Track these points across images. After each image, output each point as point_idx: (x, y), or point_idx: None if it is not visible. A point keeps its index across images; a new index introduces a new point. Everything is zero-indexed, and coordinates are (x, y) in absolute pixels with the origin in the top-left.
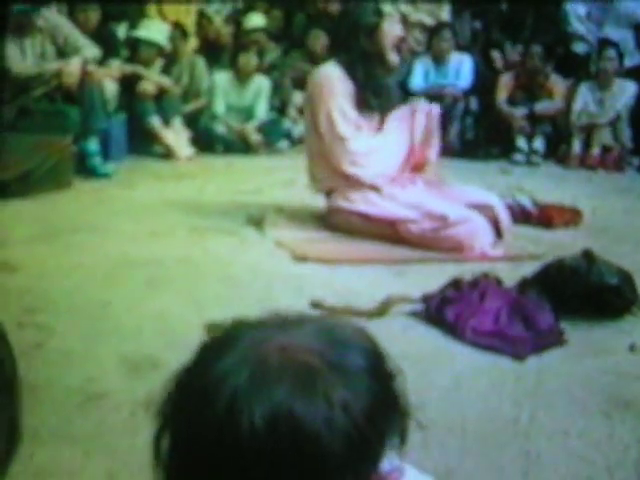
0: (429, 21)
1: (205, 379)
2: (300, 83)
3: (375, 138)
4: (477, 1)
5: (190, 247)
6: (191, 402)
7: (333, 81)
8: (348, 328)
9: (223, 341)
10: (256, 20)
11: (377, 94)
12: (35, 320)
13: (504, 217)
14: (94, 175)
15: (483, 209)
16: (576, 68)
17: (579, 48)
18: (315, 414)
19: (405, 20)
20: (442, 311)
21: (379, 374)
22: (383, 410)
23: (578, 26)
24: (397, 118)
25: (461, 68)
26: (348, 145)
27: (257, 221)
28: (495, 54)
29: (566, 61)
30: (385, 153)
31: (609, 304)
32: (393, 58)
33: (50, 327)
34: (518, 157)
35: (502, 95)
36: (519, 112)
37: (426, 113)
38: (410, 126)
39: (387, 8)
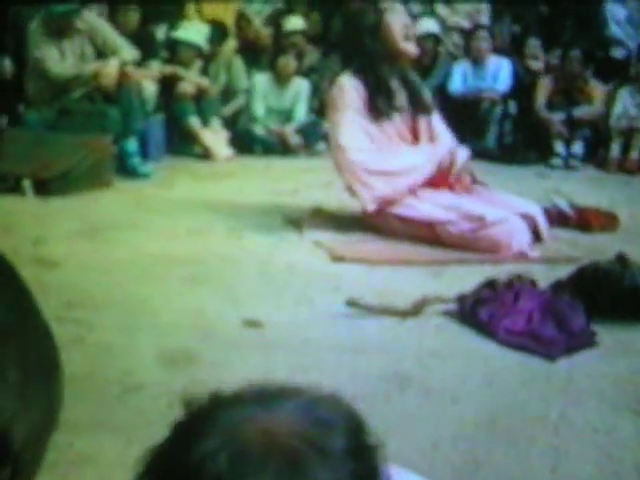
0: (467, 24)
1: (183, 464)
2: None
3: (390, 160)
4: (516, 4)
5: (228, 245)
6: None
7: (345, 92)
8: (329, 403)
9: (200, 420)
10: (295, 22)
11: (390, 97)
12: (74, 315)
13: (543, 225)
14: (133, 175)
15: (523, 218)
16: (616, 72)
17: (618, 53)
18: None
19: (443, 23)
20: (476, 311)
21: (361, 453)
22: None
23: (617, 30)
24: (424, 150)
25: (499, 71)
26: (349, 155)
27: (295, 221)
28: (532, 60)
29: (605, 65)
30: (397, 177)
31: None
32: (407, 47)
33: (89, 322)
34: (556, 161)
35: (541, 99)
36: (557, 117)
37: (450, 152)
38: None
39: (386, 2)
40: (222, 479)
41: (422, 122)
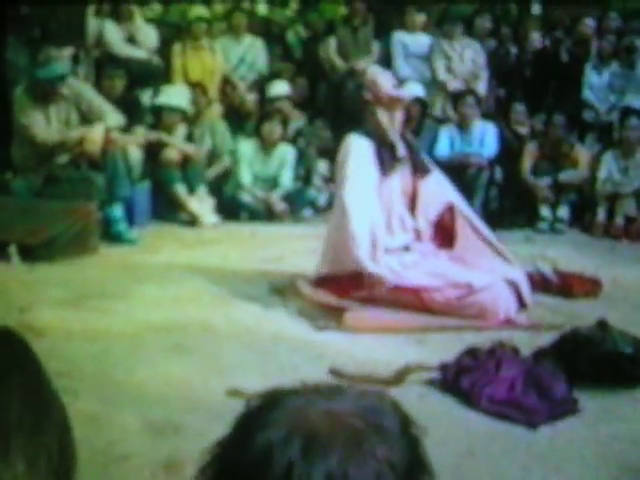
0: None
1: (252, 451)
2: (325, 152)
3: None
4: (501, 68)
5: (214, 313)
6: (239, 476)
7: (350, 150)
8: (377, 395)
9: (264, 410)
10: (280, 88)
11: (393, 149)
12: (60, 384)
13: (527, 292)
14: (119, 241)
15: (508, 284)
16: (600, 136)
17: (587, 116)
18: (367, 473)
19: (443, 88)
20: (458, 379)
21: (411, 437)
22: (417, 468)
23: (589, 94)
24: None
25: (486, 136)
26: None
27: (280, 289)
28: (518, 125)
29: (589, 129)
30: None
31: (623, 373)
32: (399, 92)
33: (75, 391)
34: (542, 225)
35: (526, 165)
36: (543, 182)
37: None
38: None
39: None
40: (296, 462)
41: (420, 181)
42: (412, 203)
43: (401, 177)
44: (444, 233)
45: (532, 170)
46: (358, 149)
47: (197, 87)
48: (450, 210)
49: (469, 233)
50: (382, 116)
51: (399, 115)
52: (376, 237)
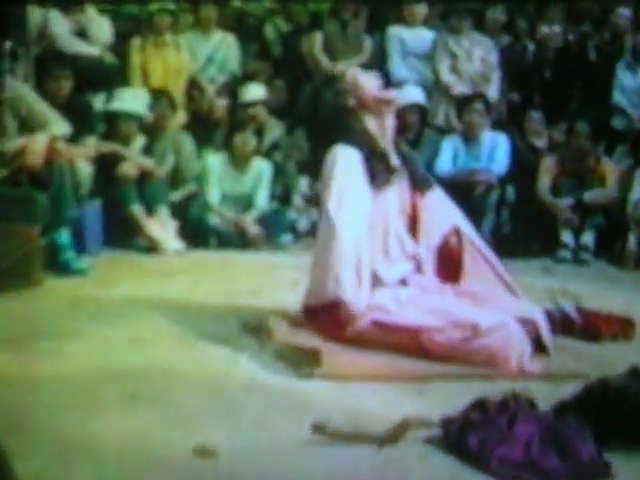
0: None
1: None
2: (307, 167)
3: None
4: (516, 68)
5: (177, 357)
6: None
7: (336, 162)
8: None
9: None
10: (255, 92)
11: (386, 158)
12: None
13: (546, 333)
14: (67, 271)
15: (522, 324)
16: (633, 148)
17: (618, 122)
18: None
19: (446, 92)
20: (464, 437)
21: None
22: None
23: (620, 97)
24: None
25: (496, 150)
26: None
27: (255, 328)
28: (534, 136)
29: (619, 140)
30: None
31: None
32: (384, 93)
33: (15, 449)
34: (563, 254)
35: (544, 182)
36: (565, 202)
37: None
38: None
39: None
40: None
41: (421, 198)
42: (412, 224)
43: (399, 193)
44: (448, 261)
45: (551, 189)
46: (345, 161)
47: (159, 90)
48: (456, 234)
49: (478, 262)
50: (370, 123)
51: (390, 120)
52: (362, 263)
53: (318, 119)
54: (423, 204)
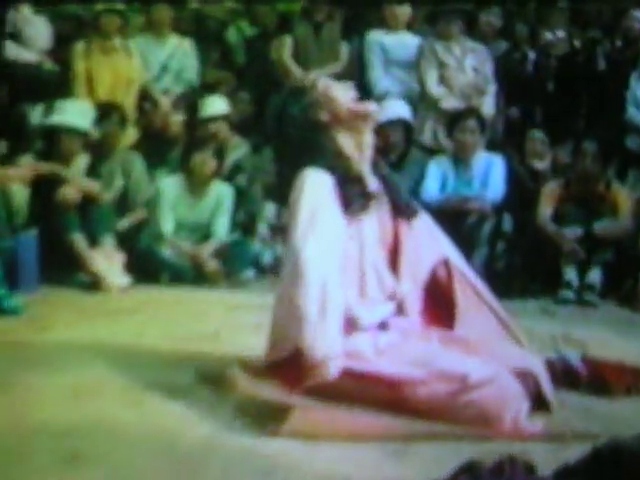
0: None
1: None
2: (273, 192)
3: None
4: (514, 80)
5: (123, 411)
6: None
7: (304, 187)
8: None
9: None
10: (216, 105)
11: (362, 182)
12: None
13: (547, 387)
14: None
15: (519, 376)
16: None
17: (632, 142)
18: None
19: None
20: None
21: None
22: None
23: (633, 114)
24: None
25: (490, 174)
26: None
27: (213, 378)
28: (534, 158)
29: (634, 162)
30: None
31: None
32: (359, 105)
33: None
34: (566, 294)
35: (546, 210)
36: (571, 233)
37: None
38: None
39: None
40: None
41: (404, 227)
42: (394, 257)
43: (378, 222)
44: (436, 300)
45: (554, 218)
46: (315, 186)
47: (106, 103)
48: (445, 267)
49: (471, 300)
50: (344, 141)
51: (368, 138)
52: (332, 303)
53: (285, 137)
54: (407, 234)
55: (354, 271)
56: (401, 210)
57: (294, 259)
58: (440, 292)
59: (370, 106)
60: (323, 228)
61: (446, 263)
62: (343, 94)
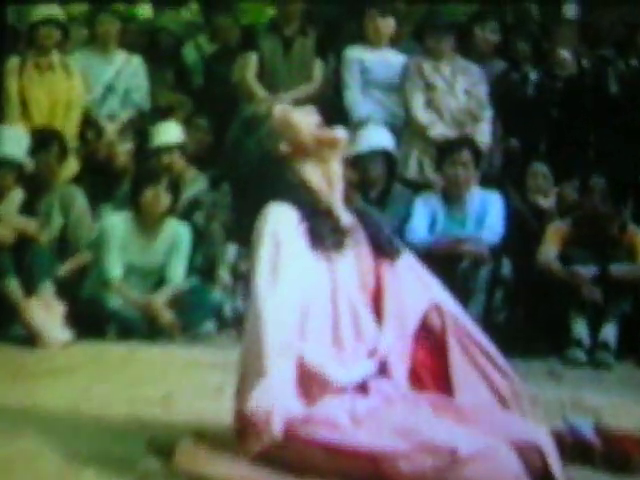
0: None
1: None
2: (236, 232)
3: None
4: (514, 105)
5: None
6: None
7: (266, 225)
8: None
9: None
10: (170, 133)
11: (333, 216)
12: None
13: (554, 462)
14: None
15: (520, 450)
16: None
17: None
18: None
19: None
20: None
21: None
22: None
23: None
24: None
25: (487, 212)
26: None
27: (165, 449)
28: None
29: None
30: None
31: None
32: (326, 132)
33: None
34: (577, 353)
35: (551, 249)
36: (585, 271)
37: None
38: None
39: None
40: None
41: (387, 270)
42: (377, 304)
43: (356, 262)
44: (426, 355)
45: (560, 261)
46: (278, 223)
47: (44, 129)
48: (437, 315)
49: (468, 354)
50: (310, 172)
51: (336, 167)
52: (296, 358)
53: (242, 172)
54: (389, 276)
55: (326, 318)
56: (382, 248)
57: (256, 307)
58: (432, 346)
59: (337, 132)
60: (287, 271)
61: (438, 310)
62: (305, 120)
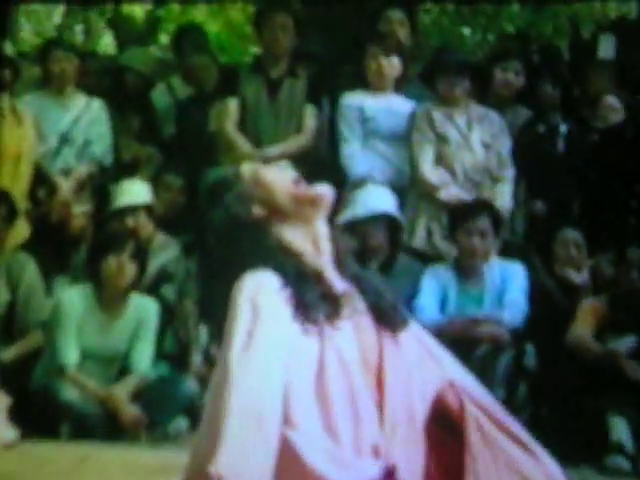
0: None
1: None
2: (211, 309)
3: None
4: (540, 162)
5: None
6: None
7: (241, 296)
8: None
9: None
10: (136, 191)
11: (322, 283)
12: None
13: None
14: None
15: None
16: None
17: None
18: None
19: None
20: None
21: None
22: None
23: None
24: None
25: (508, 287)
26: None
27: None
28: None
29: None
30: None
31: None
32: (309, 190)
33: None
34: (617, 460)
35: (584, 329)
36: (623, 344)
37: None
38: None
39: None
40: None
41: (389, 343)
42: (380, 385)
43: (356, 336)
44: (444, 445)
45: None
46: (257, 288)
47: None
48: (455, 397)
49: (492, 444)
50: (291, 234)
51: (321, 227)
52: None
53: (209, 241)
54: (392, 352)
55: (318, 407)
56: (384, 318)
57: (222, 373)
58: (448, 434)
59: (319, 189)
60: (266, 338)
61: (454, 390)
62: (280, 178)
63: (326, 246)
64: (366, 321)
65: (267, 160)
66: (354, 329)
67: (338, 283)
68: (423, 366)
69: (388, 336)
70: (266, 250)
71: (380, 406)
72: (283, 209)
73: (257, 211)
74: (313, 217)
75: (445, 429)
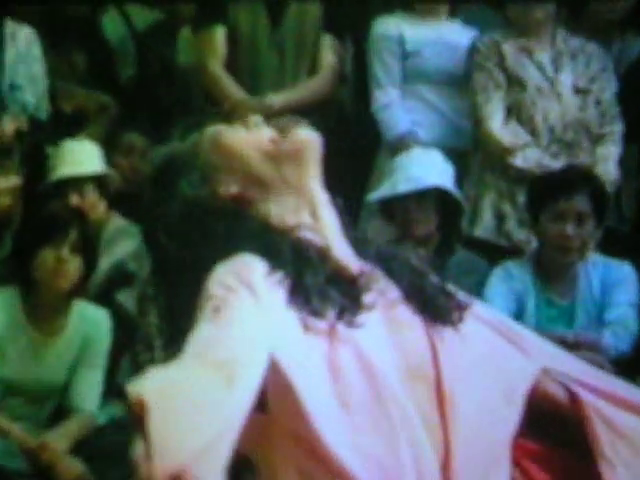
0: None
1: None
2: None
3: None
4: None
5: None
6: None
7: (215, 276)
8: None
9: None
10: (81, 157)
11: (320, 271)
12: None
13: None
14: None
15: None
16: None
17: None
18: None
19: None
20: None
21: None
22: None
23: None
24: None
25: (612, 297)
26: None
27: None
28: None
29: None
30: None
31: None
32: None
33: None
34: None
35: None
36: None
37: None
38: None
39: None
40: None
41: (445, 340)
42: (442, 402)
43: (390, 332)
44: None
45: None
46: (234, 269)
47: None
48: (557, 387)
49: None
50: (279, 209)
51: (315, 190)
52: None
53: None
54: (456, 349)
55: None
56: (431, 306)
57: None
58: (559, 436)
59: (296, 136)
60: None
61: (554, 379)
62: (251, 138)
63: (329, 215)
64: (403, 312)
65: (268, 112)
66: (385, 323)
67: (354, 262)
68: (501, 358)
69: (441, 330)
70: (245, 234)
71: (445, 434)
72: (262, 178)
73: (226, 189)
74: (302, 177)
75: (550, 433)
